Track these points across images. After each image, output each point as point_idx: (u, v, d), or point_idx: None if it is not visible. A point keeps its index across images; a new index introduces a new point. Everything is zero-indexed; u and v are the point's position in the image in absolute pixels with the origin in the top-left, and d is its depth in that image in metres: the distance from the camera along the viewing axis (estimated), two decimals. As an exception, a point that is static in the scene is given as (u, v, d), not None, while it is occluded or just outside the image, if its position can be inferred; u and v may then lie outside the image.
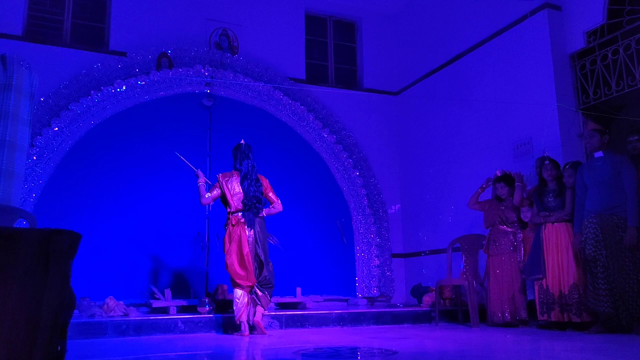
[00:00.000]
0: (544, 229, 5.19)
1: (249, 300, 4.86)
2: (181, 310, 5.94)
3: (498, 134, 6.75)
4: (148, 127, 7.10)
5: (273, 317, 5.46)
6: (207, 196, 5.05)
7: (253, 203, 4.93)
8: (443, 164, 7.73)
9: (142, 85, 7.03)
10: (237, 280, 4.83)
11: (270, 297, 4.91)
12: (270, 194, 5.10)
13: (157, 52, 7.28)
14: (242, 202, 4.93)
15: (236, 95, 7.60)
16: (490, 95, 6.89)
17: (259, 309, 4.81)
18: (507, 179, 5.78)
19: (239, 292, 4.82)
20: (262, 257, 4.85)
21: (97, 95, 6.80)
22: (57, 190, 6.54)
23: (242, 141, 5.21)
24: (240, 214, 4.92)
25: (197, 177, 5.18)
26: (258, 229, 4.90)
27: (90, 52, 7.18)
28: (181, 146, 7.18)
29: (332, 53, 8.80)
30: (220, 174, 5.10)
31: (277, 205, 5.10)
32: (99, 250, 6.57)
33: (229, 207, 4.97)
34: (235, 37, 7.95)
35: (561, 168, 5.31)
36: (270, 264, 4.98)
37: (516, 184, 5.68)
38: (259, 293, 4.81)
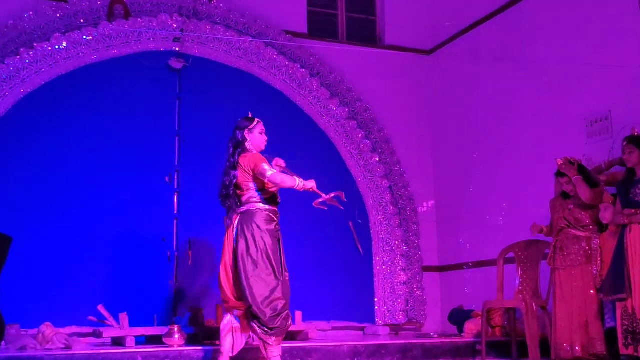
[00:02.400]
0: (629, 232, 5.13)
1: (237, 328, 4.93)
2: (143, 341, 5.93)
3: (566, 106, 6.69)
4: (97, 98, 7.06)
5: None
6: None
7: (222, 196, 5.06)
8: (492, 147, 7.67)
9: (89, 41, 6.99)
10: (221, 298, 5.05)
11: (271, 334, 4.79)
12: (259, 170, 4.92)
13: (109, -4, 7.25)
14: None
15: (214, 55, 7.55)
16: (555, 54, 6.82)
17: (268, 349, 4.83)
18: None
19: (225, 316, 5.02)
20: (241, 270, 4.82)
21: (28, 54, 6.76)
22: (-25, 181, 6.52)
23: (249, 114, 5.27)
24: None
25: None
26: (238, 231, 4.90)
27: (19, -3, 7.14)
28: (141, 122, 7.17)
29: (343, -2, 8.75)
30: None
31: (271, 183, 4.96)
32: (32, 261, 6.53)
33: None
34: (213, -24, 7.89)
35: None
36: (272, 283, 4.84)
37: (574, 178, 5.61)
38: (253, 325, 4.82)
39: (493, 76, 7.71)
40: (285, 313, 4.81)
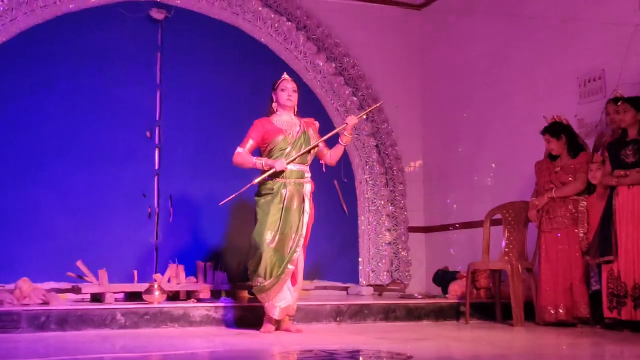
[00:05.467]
0: (617, 194, 5.22)
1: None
2: (124, 298, 6.01)
3: (559, 64, 6.71)
4: (75, 48, 7.03)
5: (244, 309, 5.53)
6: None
7: None
8: (483, 106, 7.70)
9: (66, -12, 6.92)
10: None
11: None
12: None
13: (87, -60, 7.16)
14: None
15: (197, 6, 7.49)
16: (550, 11, 6.81)
17: None
18: (553, 129, 5.80)
19: None
20: None
21: (2, 1, 6.68)
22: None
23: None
24: None
25: None
26: None
27: (-8, -60, 7.04)
28: (121, 74, 7.15)
29: (332, -53, 8.65)
30: None
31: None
32: (9, 215, 6.58)
33: None
34: None
35: None
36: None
37: (548, 198, 5.75)
38: None
39: (486, 32, 7.69)
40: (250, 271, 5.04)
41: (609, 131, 5.76)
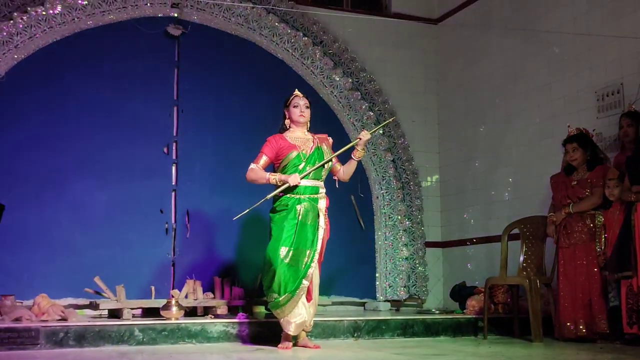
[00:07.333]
0: (636, 209, 5.19)
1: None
2: (141, 314, 6.03)
3: (576, 78, 6.72)
4: (93, 65, 7.12)
5: (261, 324, 5.54)
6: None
7: None
8: (499, 121, 7.71)
9: (84, 5, 7.00)
10: None
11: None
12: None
13: (105, -42, 7.25)
14: None
15: (214, 21, 7.57)
16: (568, 25, 6.83)
17: None
18: (581, 139, 5.78)
19: None
20: None
21: (21, 19, 6.77)
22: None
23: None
24: None
25: None
26: None
27: (12, -42, 7.14)
28: (139, 91, 7.21)
29: (348, -37, 8.72)
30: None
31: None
32: (28, 231, 6.65)
33: None
34: (214, -61, 7.88)
35: None
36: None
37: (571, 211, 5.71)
38: None
39: (502, 47, 7.72)
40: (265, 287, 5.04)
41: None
